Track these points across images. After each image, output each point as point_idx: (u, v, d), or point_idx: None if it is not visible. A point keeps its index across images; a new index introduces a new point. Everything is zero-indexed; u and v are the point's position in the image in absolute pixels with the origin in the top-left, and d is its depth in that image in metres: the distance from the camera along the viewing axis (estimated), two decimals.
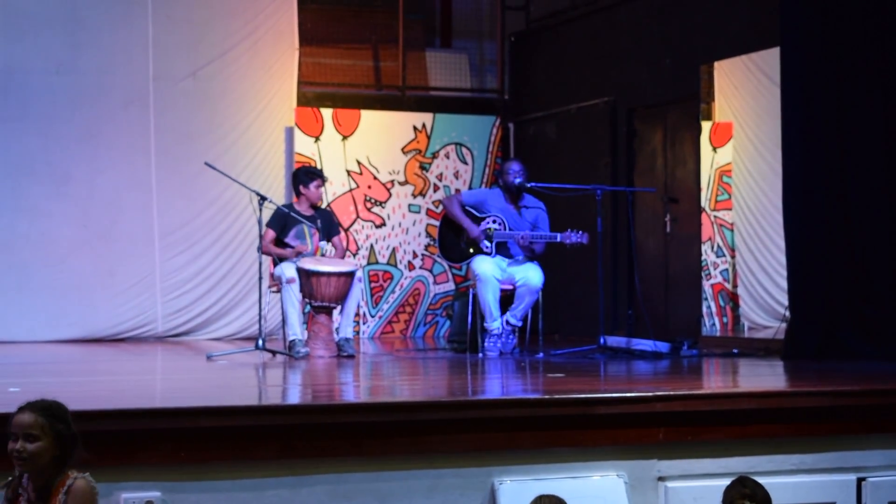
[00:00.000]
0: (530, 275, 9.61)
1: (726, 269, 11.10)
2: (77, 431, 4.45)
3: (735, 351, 9.53)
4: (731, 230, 11.02)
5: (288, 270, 9.36)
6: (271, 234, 9.63)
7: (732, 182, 11.09)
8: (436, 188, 12.99)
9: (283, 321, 9.43)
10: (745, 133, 11.02)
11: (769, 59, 10.07)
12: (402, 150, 12.93)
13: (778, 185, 9.20)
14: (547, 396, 6.17)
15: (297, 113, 12.54)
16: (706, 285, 10.99)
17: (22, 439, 4.39)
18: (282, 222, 9.67)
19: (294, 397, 7.00)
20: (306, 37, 12.69)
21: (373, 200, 12.80)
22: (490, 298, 9.57)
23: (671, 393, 6.10)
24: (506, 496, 5.61)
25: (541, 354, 9.40)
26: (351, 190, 12.72)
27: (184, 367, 9.12)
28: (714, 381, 7.90)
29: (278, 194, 11.94)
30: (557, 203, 10.77)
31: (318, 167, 12.21)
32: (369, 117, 12.85)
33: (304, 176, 9.90)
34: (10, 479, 4.51)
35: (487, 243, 9.77)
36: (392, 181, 12.87)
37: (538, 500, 5.05)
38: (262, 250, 9.42)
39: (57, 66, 11.71)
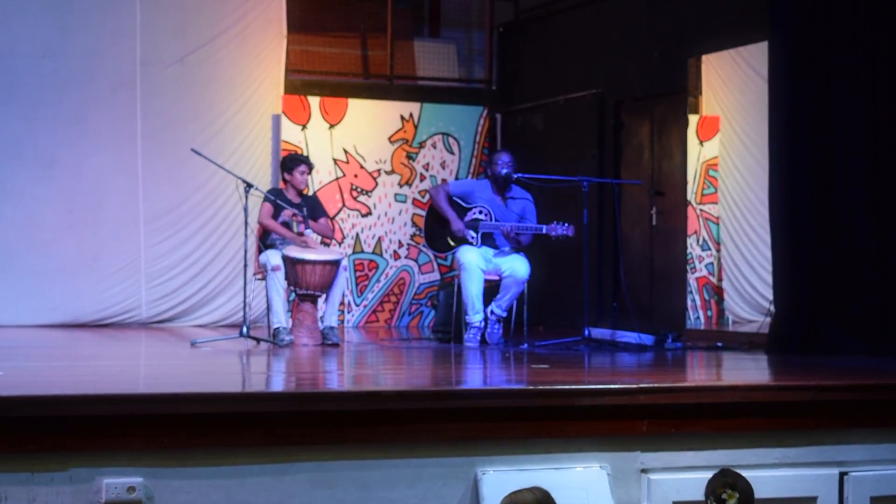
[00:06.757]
0: (516, 266, 9.61)
1: (711, 263, 11.11)
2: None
3: (719, 344, 9.55)
4: (717, 224, 11.03)
5: (273, 258, 9.35)
6: (269, 207, 9.60)
7: (719, 176, 11.11)
8: (422, 178, 12.98)
9: (268, 309, 9.42)
10: (732, 127, 11.03)
11: (757, 54, 10.08)
12: (389, 139, 12.92)
13: (764, 180, 9.21)
14: (531, 387, 6.16)
15: (284, 100, 12.52)
16: (691, 278, 11.01)
17: None
18: (272, 203, 9.68)
19: (278, 385, 6.98)
20: (294, 24, 12.66)
21: (359, 189, 12.78)
22: (473, 289, 9.56)
23: (655, 385, 6.10)
24: (489, 486, 5.60)
25: (525, 345, 9.39)
26: (337, 178, 12.71)
27: (168, 354, 9.10)
28: (698, 374, 7.90)
29: (264, 182, 11.91)
30: (544, 194, 10.76)
31: (305, 155, 12.21)
32: (356, 106, 12.83)
33: (290, 162, 9.93)
34: None
35: (473, 234, 9.76)
36: (378, 170, 12.86)
37: (520, 492, 5.03)
38: (260, 223, 9.51)
39: (44, 50, 11.67)
